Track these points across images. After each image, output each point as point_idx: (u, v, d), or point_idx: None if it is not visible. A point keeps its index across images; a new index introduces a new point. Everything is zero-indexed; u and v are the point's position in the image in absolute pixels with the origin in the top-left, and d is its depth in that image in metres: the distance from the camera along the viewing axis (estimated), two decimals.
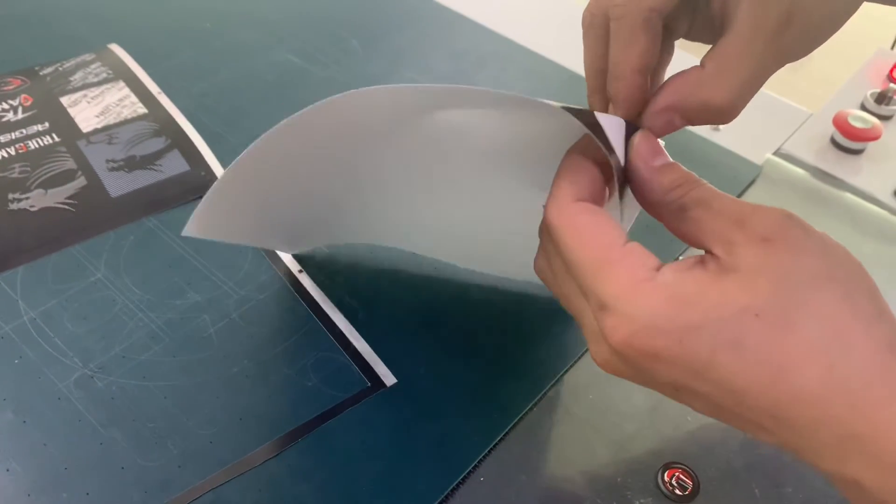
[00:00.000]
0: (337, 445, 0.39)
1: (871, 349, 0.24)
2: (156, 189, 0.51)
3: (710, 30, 0.33)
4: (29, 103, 0.57)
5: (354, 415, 0.40)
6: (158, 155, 0.54)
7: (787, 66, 0.34)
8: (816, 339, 0.24)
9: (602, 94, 0.34)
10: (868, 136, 0.58)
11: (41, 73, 0.60)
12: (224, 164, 0.54)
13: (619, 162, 0.30)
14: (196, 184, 0.52)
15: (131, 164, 0.53)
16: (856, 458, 0.24)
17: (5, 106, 0.56)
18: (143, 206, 0.50)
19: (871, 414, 0.23)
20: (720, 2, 0.31)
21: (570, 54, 0.67)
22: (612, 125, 0.30)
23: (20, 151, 0.53)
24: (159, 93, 0.59)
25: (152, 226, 0.49)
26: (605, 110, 0.34)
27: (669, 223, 0.30)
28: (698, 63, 0.31)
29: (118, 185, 0.51)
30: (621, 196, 0.31)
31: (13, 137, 0.54)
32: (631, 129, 0.31)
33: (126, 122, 0.56)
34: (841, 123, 0.59)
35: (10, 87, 0.58)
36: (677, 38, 0.34)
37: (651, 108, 0.31)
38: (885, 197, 0.56)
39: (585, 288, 0.28)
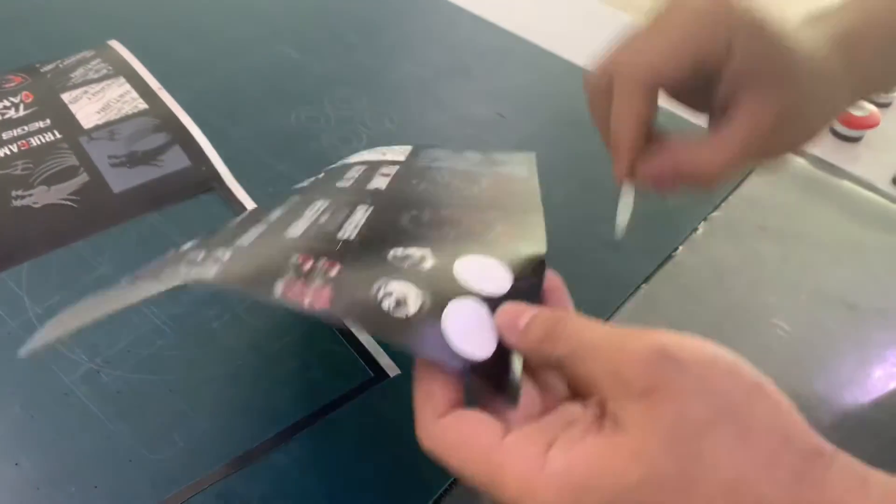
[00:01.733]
0: (341, 436, 0.39)
1: (776, 489, 0.23)
2: (157, 184, 0.52)
3: (704, 104, 0.37)
4: (30, 100, 0.57)
5: (358, 406, 0.41)
6: (160, 150, 0.54)
7: None
8: (717, 493, 0.23)
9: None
10: (866, 123, 0.58)
11: (42, 71, 0.60)
12: (225, 158, 0.54)
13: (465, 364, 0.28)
14: (197, 179, 0.52)
15: (133, 159, 0.53)
16: None
17: (7, 103, 0.57)
18: (145, 201, 0.50)
19: None
20: (726, 92, 0.34)
21: (569, 46, 0.67)
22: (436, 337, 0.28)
23: (22, 148, 0.53)
24: (159, 88, 0.59)
25: (155, 221, 0.50)
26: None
27: (561, 374, 0.29)
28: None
29: (120, 180, 0.51)
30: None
31: (15, 134, 0.54)
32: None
33: (127, 117, 0.56)
34: None
35: (12, 85, 0.58)
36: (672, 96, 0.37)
37: (651, 167, 0.35)
38: (884, 184, 0.57)
39: (490, 495, 0.27)
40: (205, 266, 0.32)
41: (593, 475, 0.24)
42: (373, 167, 0.44)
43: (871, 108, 0.59)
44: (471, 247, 0.33)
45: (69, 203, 0.50)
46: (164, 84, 0.60)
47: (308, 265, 0.31)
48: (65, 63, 0.61)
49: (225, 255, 0.33)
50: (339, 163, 0.48)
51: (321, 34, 0.68)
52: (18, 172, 0.51)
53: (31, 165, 0.52)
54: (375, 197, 0.39)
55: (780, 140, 0.35)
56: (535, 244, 0.34)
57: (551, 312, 0.29)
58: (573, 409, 0.28)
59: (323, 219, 0.36)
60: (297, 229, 0.35)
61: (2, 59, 0.61)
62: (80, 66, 0.61)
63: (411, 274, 0.31)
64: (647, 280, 0.49)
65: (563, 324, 0.28)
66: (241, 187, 0.52)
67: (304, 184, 0.45)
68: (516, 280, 0.31)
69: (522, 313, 0.29)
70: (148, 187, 0.51)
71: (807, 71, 0.34)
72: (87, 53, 0.62)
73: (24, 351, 0.35)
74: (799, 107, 0.34)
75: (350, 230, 0.35)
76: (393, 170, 0.43)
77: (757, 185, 0.56)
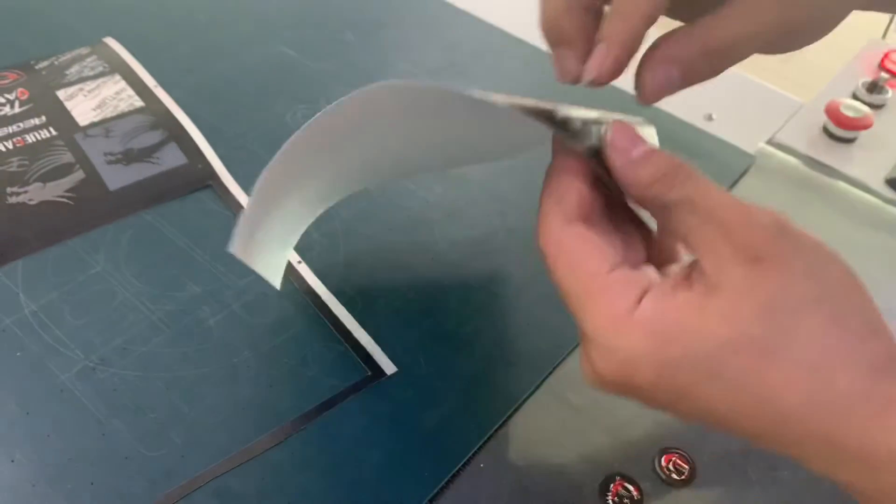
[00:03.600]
0: (338, 434, 0.39)
1: (855, 371, 0.24)
2: (154, 182, 0.51)
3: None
4: (25, 97, 0.57)
5: (355, 403, 0.41)
6: (156, 148, 0.54)
7: (780, 56, 0.34)
8: (799, 367, 0.24)
9: (575, 45, 0.31)
10: (860, 124, 0.59)
11: (37, 68, 0.60)
12: (221, 156, 0.54)
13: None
14: (194, 176, 0.52)
15: (129, 157, 0.53)
16: (845, 467, 0.24)
17: (2, 100, 0.56)
18: (141, 199, 0.50)
19: (856, 431, 0.24)
20: None
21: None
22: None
23: (18, 145, 0.53)
24: (155, 86, 0.59)
25: (151, 219, 0.49)
26: (578, 66, 0.31)
27: (657, 220, 0.29)
28: None
29: (116, 178, 0.51)
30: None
31: (10, 131, 0.54)
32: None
33: (123, 115, 0.56)
34: (833, 112, 0.59)
35: (7, 82, 0.58)
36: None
37: (649, 62, 0.30)
38: (877, 185, 0.57)
39: (573, 315, 0.28)
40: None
41: (680, 328, 0.25)
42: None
43: (865, 109, 0.59)
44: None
45: (65, 200, 0.49)
46: (160, 81, 0.60)
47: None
48: (60, 60, 0.61)
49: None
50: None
51: (318, 32, 0.68)
52: (14, 169, 0.51)
53: (26, 162, 0.51)
54: None
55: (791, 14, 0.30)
56: None
57: (671, 155, 0.28)
58: (675, 269, 0.29)
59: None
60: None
61: None
62: (75, 63, 0.61)
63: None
64: None
65: (684, 170, 0.27)
66: (238, 185, 0.52)
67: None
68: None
69: (638, 141, 0.28)
70: (144, 185, 0.51)
71: None
72: (83, 50, 0.62)
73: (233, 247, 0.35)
74: None
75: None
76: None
77: (750, 185, 0.57)
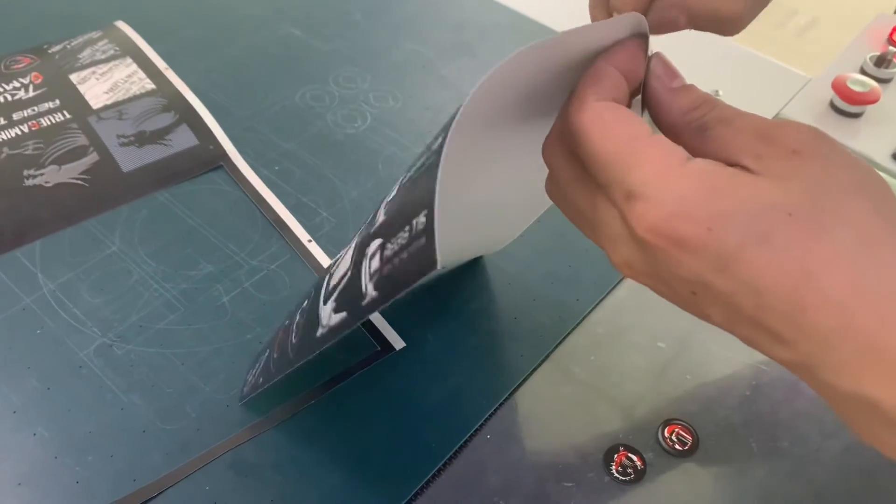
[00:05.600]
0: (349, 407, 0.41)
1: None
2: (166, 163, 0.52)
3: None
4: (39, 81, 0.58)
5: (365, 378, 0.42)
6: (168, 130, 0.55)
7: (789, 31, 0.35)
8: (847, 246, 0.23)
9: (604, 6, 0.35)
10: (867, 99, 0.59)
11: (50, 52, 0.61)
12: (231, 137, 0.55)
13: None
14: (205, 158, 0.53)
15: (141, 139, 0.54)
16: (875, 373, 0.23)
17: (16, 84, 0.57)
18: (154, 180, 0.51)
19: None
20: None
21: (573, 24, 0.67)
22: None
23: (33, 129, 0.54)
24: (166, 68, 0.60)
25: (164, 199, 0.50)
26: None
27: (690, 144, 0.29)
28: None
29: (129, 160, 0.52)
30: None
31: (25, 115, 0.55)
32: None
33: (135, 98, 0.57)
34: (840, 87, 0.59)
35: (21, 66, 0.59)
36: None
37: (660, 2, 0.33)
38: (884, 160, 0.57)
39: (610, 181, 0.27)
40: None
41: (733, 184, 0.25)
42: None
43: (872, 83, 0.59)
44: None
45: (80, 182, 0.51)
46: (171, 64, 0.61)
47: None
48: (72, 44, 0.62)
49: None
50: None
51: (326, 13, 0.69)
52: (30, 152, 0.52)
53: (41, 145, 0.53)
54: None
55: None
56: None
57: (704, 91, 0.29)
58: None
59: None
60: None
61: (10, 40, 0.62)
62: (87, 47, 0.61)
63: None
64: None
65: (719, 102, 0.28)
66: (248, 165, 0.53)
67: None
68: None
69: (678, 74, 0.29)
70: (157, 166, 0.52)
71: None
72: (95, 34, 0.63)
73: None
74: None
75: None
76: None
77: None
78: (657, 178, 0.25)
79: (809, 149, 0.25)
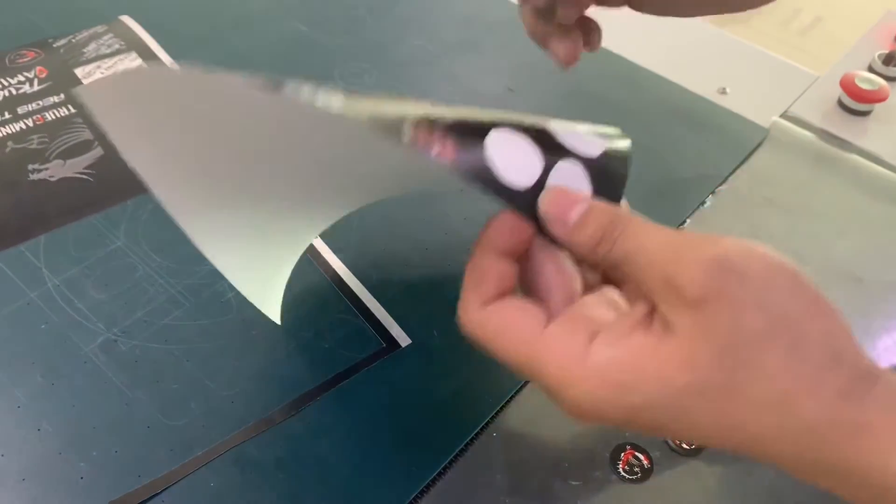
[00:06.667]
0: (354, 404, 0.40)
1: (820, 401, 0.23)
2: None
3: None
4: (44, 75, 0.58)
5: (370, 375, 0.42)
6: None
7: (797, 29, 0.35)
8: (764, 403, 0.24)
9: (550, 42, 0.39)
10: (875, 97, 0.58)
11: (55, 46, 0.61)
12: None
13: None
14: None
15: None
16: (825, 479, 0.24)
17: (21, 78, 0.57)
18: None
19: (828, 457, 0.24)
20: None
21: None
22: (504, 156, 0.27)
23: (38, 123, 0.54)
24: (171, 63, 0.60)
25: None
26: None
27: (610, 276, 0.29)
28: None
29: None
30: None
31: (30, 109, 0.55)
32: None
33: None
34: (848, 85, 0.59)
35: (25, 60, 0.59)
36: None
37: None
38: (892, 158, 0.57)
39: (530, 379, 0.28)
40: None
41: (638, 376, 0.25)
42: None
43: (881, 81, 0.59)
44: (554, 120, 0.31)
45: (85, 177, 0.50)
46: (176, 59, 0.60)
47: (424, 108, 0.28)
48: (77, 38, 0.62)
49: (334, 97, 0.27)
50: None
51: (330, 8, 0.68)
52: (34, 147, 0.52)
53: (46, 140, 0.52)
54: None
55: None
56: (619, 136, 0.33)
57: (606, 208, 0.28)
58: (612, 295, 0.29)
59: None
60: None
61: (15, 34, 0.62)
62: (92, 42, 0.61)
63: (519, 127, 0.29)
64: None
65: (621, 225, 0.27)
66: None
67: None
68: (607, 151, 0.30)
69: (573, 204, 0.28)
70: None
71: None
72: (100, 28, 0.63)
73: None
74: None
75: (443, 111, 0.30)
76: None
77: (763, 159, 0.56)
78: (565, 381, 0.26)
79: (714, 295, 0.24)
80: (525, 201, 0.28)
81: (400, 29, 0.67)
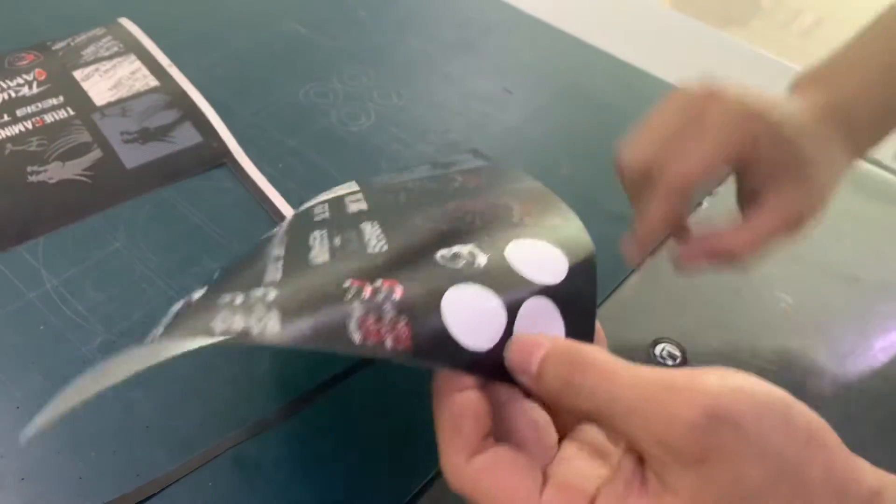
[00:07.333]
0: (353, 405, 0.40)
1: None
2: (169, 160, 0.52)
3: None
4: (43, 78, 0.58)
5: (369, 376, 0.42)
6: (171, 127, 0.55)
7: (797, 32, 0.35)
8: None
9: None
10: None
11: (53, 48, 0.61)
12: (235, 134, 0.55)
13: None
14: (208, 155, 0.53)
15: (145, 135, 0.54)
16: None
17: (20, 80, 0.57)
18: (157, 177, 0.51)
19: None
20: (753, 186, 0.39)
21: (575, 21, 0.67)
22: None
23: (37, 125, 0.54)
24: (170, 65, 0.60)
25: (167, 196, 0.50)
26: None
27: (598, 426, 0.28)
28: None
29: (133, 156, 0.52)
30: None
31: (29, 111, 0.55)
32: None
33: (139, 94, 0.57)
34: None
35: (24, 62, 0.59)
36: None
37: (691, 250, 0.40)
38: (887, 159, 0.57)
39: None
40: (254, 312, 0.28)
41: None
42: (335, 202, 0.39)
43: None
44: (507, 232, 0.30)
45: (83, 179, 0.51)
46: (174, 61, 0.61)
47: (368, 291, 0.27)
48: (76, 41, 0.62)
49: (269, 294, 0.28)
50: (297, 210, 0.42)
51: (330, 10, 0.69)
52: (33, 149, 0.52)
53: (45, 142, 0.52)
54: (367, 214, 0.35)
55: (801, 223, 0.39)
56: (561, 214, 0.32)
57: (562, 352, 0.26)
58: (592, 434, 0.28)
59: (336, 242, 0.32)
60: (319, 258, 0.31)
61: (14, 36, 0.62)
62: (91, 44, 0.61)
63: (476, 276, 0.27)
64: (651, 253, 0.50)
65: (581, 370, 0.26)
66: (252, 162, 0.53)
67: (274, 231, 0.39)
68: (571, 264, 0.29)
69: (534, 350, 0.27)
70: (160, 163, 0.52)
71: (821, 161, 0.39)
72: (98, 31, 0.63)
73: (27, 433, 0.28)
74: (816, 194, 0.39)
75: (375, 244, 0.30)
76: (358, 196, 0.38)
77: None
78: None
79: (713, 450, 0.23)
80: (493, 360, 0.26)
81: (398, 30, 0.67)
